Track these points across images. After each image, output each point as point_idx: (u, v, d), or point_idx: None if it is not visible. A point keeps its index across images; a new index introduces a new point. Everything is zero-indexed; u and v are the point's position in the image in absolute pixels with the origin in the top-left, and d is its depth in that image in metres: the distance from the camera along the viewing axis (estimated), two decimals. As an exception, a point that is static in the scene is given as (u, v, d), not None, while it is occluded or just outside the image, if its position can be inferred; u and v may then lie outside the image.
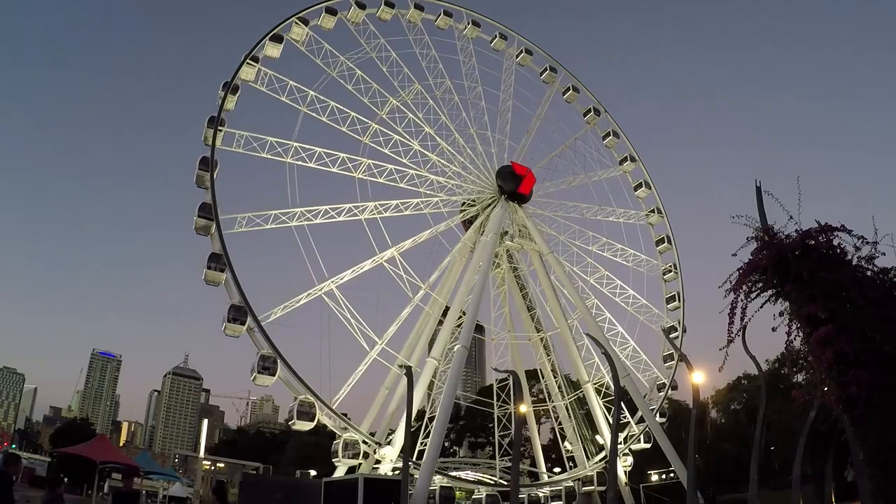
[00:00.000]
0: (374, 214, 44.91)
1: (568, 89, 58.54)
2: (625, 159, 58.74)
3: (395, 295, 48.59)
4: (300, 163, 43.08)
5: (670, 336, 49.61)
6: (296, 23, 45.07)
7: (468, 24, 55.17)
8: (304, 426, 36.33)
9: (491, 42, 56.88)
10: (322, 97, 44.75)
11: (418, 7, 51.86)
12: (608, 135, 58.67)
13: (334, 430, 38.24)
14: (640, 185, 58.38)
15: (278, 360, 34.99)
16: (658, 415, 49.46)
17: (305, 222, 42.06)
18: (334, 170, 44.47)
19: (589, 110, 58.72)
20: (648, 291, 54.53)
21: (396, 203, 46.53)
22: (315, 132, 47.56)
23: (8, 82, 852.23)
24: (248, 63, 42.48)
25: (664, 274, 55.92)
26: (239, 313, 35.11)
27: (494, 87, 56.27)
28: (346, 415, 42.26)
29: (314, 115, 44.33)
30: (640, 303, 53.39)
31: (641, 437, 48.00)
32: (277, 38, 44.16)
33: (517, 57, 57.44)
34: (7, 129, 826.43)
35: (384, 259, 44.37)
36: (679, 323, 53.30)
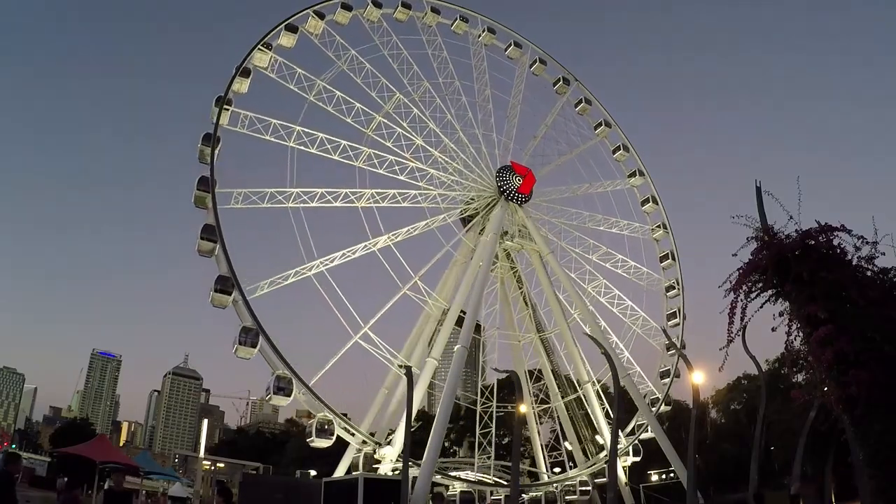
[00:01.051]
0: (388, 242, 44.73)
1: (580, 101, 58.14)
2: (633, 174, 58.31)
3: (413, 313, 47.93)
4: (302, 148, 42.94)
5: (669, 323, 49.68)
6: (312, 15, 45.12)
7: (483, 30, 55.29)
8: (324, 443, 36.00)
9: (505, 50, 56.87)
10: (308, 130, 43.99)
11: (435, 10, 52.01)
12: (618, 149, 58.20)
13: (311, 410, 38.08)
14: (647, 201, 57.71)
15: (335, 420, 35.35)
16: (663, 404, 49.46)
17: (324, 268, 41.37)
18: (337, 204, 44.30)
19: (600, 123, 58.39)
20: (647, 305, 53.89)
21: (407, 229, 46.53)
22: (308, 168, 47.35)
23: (7, 80, 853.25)
24: (260, 49, 42.24)
25: (654, 234, 56.01)
26: (283, 382, 34.21)
27: (503, 91, 56.30)
28: (346, 415, 42.28)
29: (303, 148, 43.66)
30: (637, 315, 52.50)
31: (630, 449, 47.35)
32: (292, 28, 44.12)
33: (531, 66, 57.23)
34: (6, 128, 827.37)
35: (407, 288, 44.02)
36: (677, 286, 53.34)
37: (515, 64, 58.39)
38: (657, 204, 56.97)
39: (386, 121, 46.51)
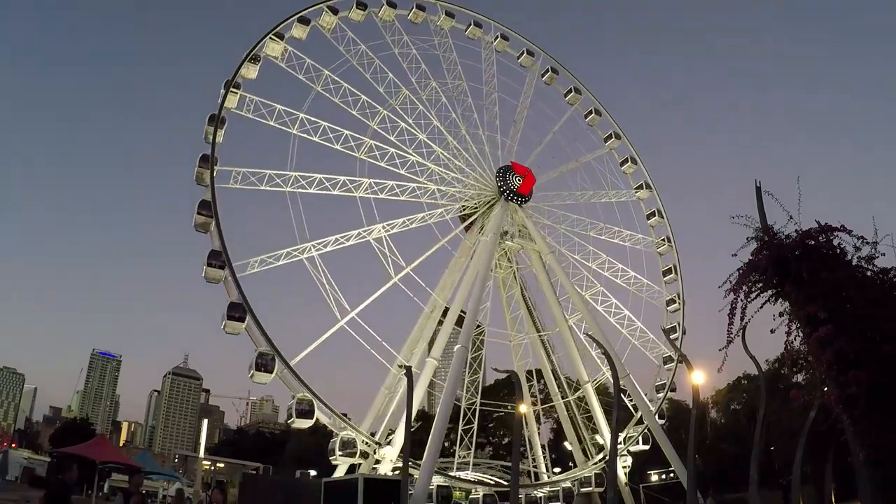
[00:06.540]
0: (383, 233, 44.85)
1: (547, 71, 58.03)
2: (609, 136, 58.14)
3: (414, 312, 48.10)
4: (301, 190, 42.78)
5: (670, 337, 49.53)
6: (272, 38, 44.19)
7: (497, 36, 55.48)
8: (304, 424, 36.34)
9: (518, 57, 56.86)
10: (312, 118, 44.26)
11: (449, 14, 52.10)
12: (590, 113, 58.18)
13: (333, 429, 38.17)
14: (626, 161, 58.05)
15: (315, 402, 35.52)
16: (657, 416, 49.42)
17: (316, 253, 41.59)
18: (335, 192, 44.33)
19: (570, 90, 58.10)
20: (648, 270, 54.87)
21: (404, 220, 46.57)
22: (309, 155, 47.39)
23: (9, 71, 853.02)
24: (231, 91, 41.72)
25: (658, 247, 56.09)
26: (265, 359, 34.78)
27: (479, 81, 55.92)
28: (345, 415, 42.25)
29: (306, 136, 43.89)
30: (641, 282, 53.56)
31: (640, 438, 47.80)
32: (255, 59, 43.38)
33: (494, 42, 56.77)
34: (5, 127, 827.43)
35: (398, 278, 43.97)
36: (678, 301, 53.35)
37: (526, 71, 58.23)
38: (663, 217, 57.02)
39: (391, 115, 46.73)
